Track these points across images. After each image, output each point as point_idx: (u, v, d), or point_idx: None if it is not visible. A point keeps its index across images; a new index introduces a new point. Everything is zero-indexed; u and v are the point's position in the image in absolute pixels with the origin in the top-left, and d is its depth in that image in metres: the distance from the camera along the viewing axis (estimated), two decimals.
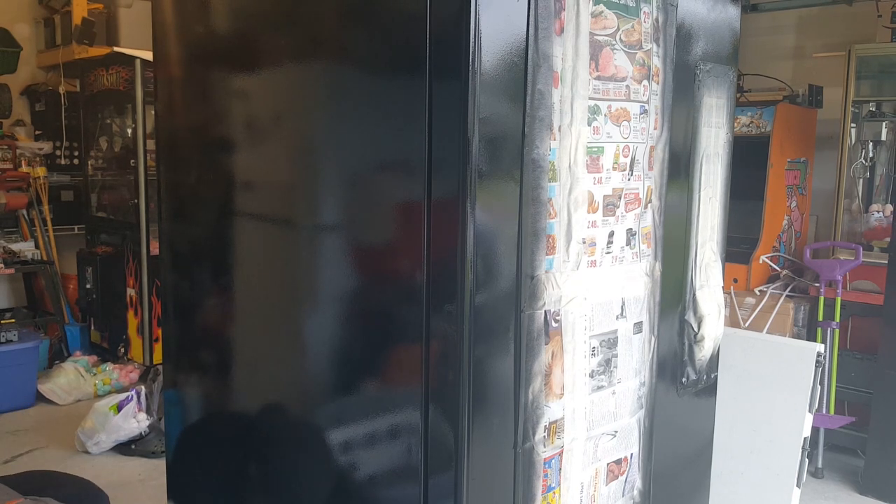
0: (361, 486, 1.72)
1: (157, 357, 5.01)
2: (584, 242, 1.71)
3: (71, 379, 5.00)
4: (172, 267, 2.25)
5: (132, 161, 5.12)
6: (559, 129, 1.60)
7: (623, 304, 1.86)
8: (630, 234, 1.85)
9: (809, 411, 2.90)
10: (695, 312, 2.19)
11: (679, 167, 2.03)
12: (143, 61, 4.90)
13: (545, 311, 1.63)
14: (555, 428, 1.70)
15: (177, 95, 2.17)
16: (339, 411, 1.76)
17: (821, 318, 4.09)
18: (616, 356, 1.86)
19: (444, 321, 1.49)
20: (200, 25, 2.04)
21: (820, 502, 3.81)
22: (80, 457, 4.13)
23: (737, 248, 4.22)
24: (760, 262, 4.48)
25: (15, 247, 5.44)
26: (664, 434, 2.07)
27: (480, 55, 1.42)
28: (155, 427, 4.22)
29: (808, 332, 4.28)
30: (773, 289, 4.36)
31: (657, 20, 1.84)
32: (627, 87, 1.77)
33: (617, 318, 1.85)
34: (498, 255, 1.53)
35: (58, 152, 5.83)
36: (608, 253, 1.79)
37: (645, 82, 1.82)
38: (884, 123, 4.98)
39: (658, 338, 2.01)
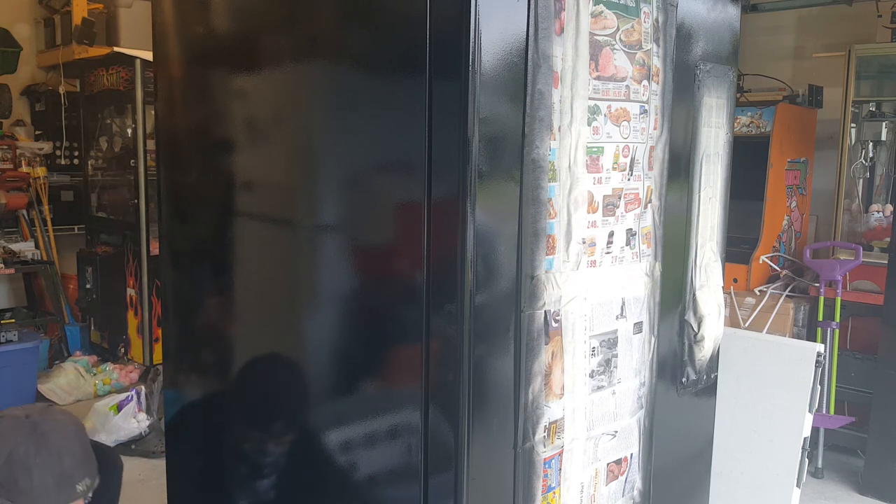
0: (361, 486, 1.72)
1: (157, 357, 4.99)
2: (584, 242, 1.71)
3: (71, 379, 5.00)
4: (172, 267, 2.25)
5: (132, 161, 5.10)
6: (559, 129, 1.60)
7: (623, 304, 1.86)
8: (630, 234, 1.85)
9: (809, 411, 2.89)
10: (695, 312, 2.19)
11: (679, 167, 2.03)
12: (143, 61, 4.89)
13: (545, 311, 1.63)
14: (555, 428, 1.70)
15: (177, 95, 2.17)
16: (339, 411, 1.76)
17: (821, 318, 4.08)
18: (616, 356, 1.85)
19: (444, 321, 1.49)
20: (200, 25, 2.04)
21: (820, 502, 3.80)
22: None
23: (737, 248, 4.20)
24: (760, 262, 4.47)
25: (15, 247, 5.42)
26: (664, 434, 2.07)
27: (480, 55, 1.42)
28: (155, 427, 4.22)
29: (808, 332, 4.27)
30: (773, 289, 4.35)
31: (657, 20, 1.84)
32: (627, 87, 1.77)
33: (617, 318, 1.85)
34: (498, 255, 1.53)
35: (58, 152, 5.82)
36: (608, 253, 1.79)
37: (645, 82, 1.82)
38: (884, 123, 4.97)
39: (658, 338, 2.01)
